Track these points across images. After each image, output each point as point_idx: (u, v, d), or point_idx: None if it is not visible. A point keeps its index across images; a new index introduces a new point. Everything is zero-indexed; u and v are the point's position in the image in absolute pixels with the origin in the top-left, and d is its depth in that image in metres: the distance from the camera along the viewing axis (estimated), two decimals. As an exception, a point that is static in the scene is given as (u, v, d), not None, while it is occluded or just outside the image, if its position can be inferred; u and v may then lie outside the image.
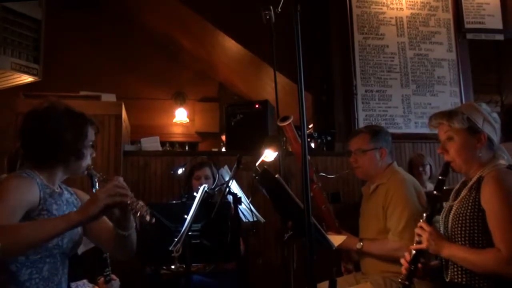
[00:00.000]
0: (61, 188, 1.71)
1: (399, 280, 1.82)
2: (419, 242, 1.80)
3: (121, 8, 6.71)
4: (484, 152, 1.81)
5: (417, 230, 1.82)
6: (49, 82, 4.51)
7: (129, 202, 1.51)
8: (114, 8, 6.76)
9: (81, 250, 2.38)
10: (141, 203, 1.54)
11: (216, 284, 2.76)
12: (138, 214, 1.52)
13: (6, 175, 1.60)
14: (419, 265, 1.81)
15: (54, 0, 5.45)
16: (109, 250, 1.80)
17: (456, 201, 1.85)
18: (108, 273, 2.31)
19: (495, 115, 1.87)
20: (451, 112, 1.86)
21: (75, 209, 1.70)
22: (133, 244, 1.71)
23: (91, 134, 1.69)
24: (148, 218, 1.51)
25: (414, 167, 3.76)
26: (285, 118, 2.49)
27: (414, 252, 1.81)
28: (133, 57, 6.99)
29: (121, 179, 1.56)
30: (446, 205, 1.94)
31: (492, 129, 1.83)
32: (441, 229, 1.90)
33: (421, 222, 1.82)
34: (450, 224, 1.83)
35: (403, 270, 1.82)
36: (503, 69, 4.64)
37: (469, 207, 1.76)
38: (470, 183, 1.82)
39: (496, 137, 1.84)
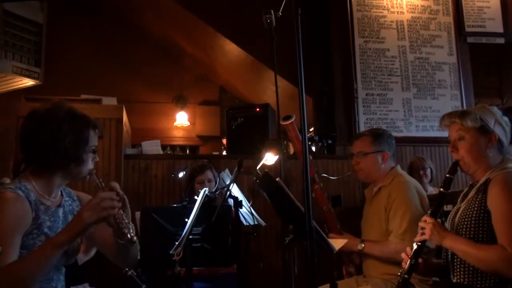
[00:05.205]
0: (62, 194, 1.65)
1: (399, 273, 1.82)
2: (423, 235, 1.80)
3: (122, 11, 6.73)
4: (493, 153, 1.84)
5: (421, 224, 1.83)
6: (50, 85, 4.53)
7: (115, 216, 1.48)
8: (115, 11, 6.78)
9: (81, 260, 2.37)
10: (126, 219, 1.51)
11: (217, 287, 2.75)
12: (123, 230, 1.50)
13: (8, 182, 1.57)
14: (420, 260, 1.80)
15: (56, 4, 5.48)
16: (112, 258, 1.73)
17: (463, 203, 1.87)
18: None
19: (506, 118, 1.90)
20: (463, 112, 1.90)
21: None
22: (134, 254, 1.67)
23: (93, 138, 1.60)
24: (128, 236, 1.50)
25: (414, 170, 3.75)
26: (287, 117, 2.50)
27: (416, 246, 1.81)
28: (134, 61, 7.00)
29: (116, 185, 1.53)
30: (454, 207, 1.95)
31: (502, 131, 1.86)
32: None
33: (425, 216, 1.84)
34: (456, 224, 1.85)
35: (404, 264, 1.82)
36: (504, 72, 4.65)
37: (475, 208, 1.78)
38: (478, 185, 1.84)
39: (506, 140, 1.86)
